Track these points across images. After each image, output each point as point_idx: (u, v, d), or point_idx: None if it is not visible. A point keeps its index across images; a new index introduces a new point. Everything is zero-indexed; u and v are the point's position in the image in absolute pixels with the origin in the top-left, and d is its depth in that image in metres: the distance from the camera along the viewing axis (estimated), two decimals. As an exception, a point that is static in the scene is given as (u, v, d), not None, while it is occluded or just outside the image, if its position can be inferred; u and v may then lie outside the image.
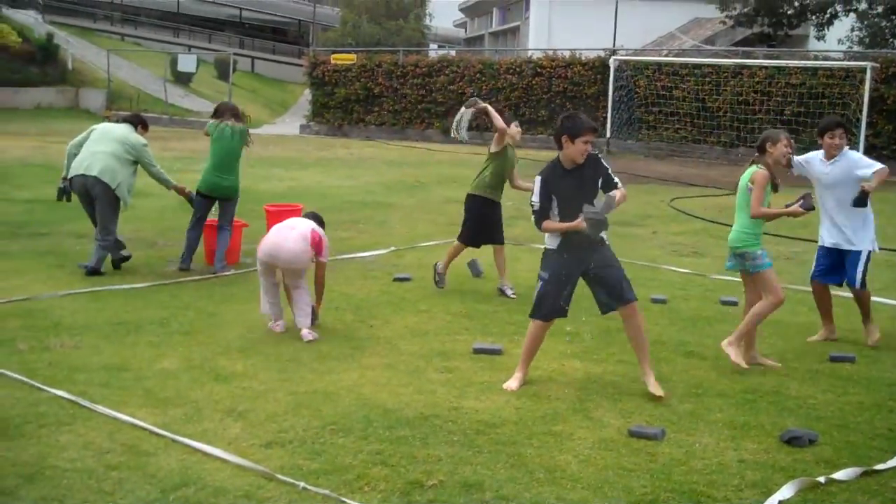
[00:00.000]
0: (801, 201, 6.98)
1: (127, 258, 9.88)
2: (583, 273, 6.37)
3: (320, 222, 7.86)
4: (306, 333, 7.40)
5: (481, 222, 9.25)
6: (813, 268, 8.07)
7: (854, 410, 6.15)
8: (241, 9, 63.54)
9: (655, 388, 6.25)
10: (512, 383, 6.38)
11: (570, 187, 6.17)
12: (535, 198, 6.22)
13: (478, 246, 9.49)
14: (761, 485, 4.89)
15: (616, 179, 6.33)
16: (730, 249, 7.16)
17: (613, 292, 6.33)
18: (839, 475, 4.99)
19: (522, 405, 6.02)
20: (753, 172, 6.88)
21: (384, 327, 7.87)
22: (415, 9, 54.56)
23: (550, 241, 6.37)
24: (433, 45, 57.13)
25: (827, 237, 7.90)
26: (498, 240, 9.28)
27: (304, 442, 5.26)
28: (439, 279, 9.38)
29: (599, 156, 6.36)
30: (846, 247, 7.79)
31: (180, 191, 10.14)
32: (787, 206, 7.04)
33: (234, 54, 44.55)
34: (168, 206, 13.84)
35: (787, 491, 4.78)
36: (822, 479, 4.92)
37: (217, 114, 10.02)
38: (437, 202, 16.52)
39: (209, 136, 9.88)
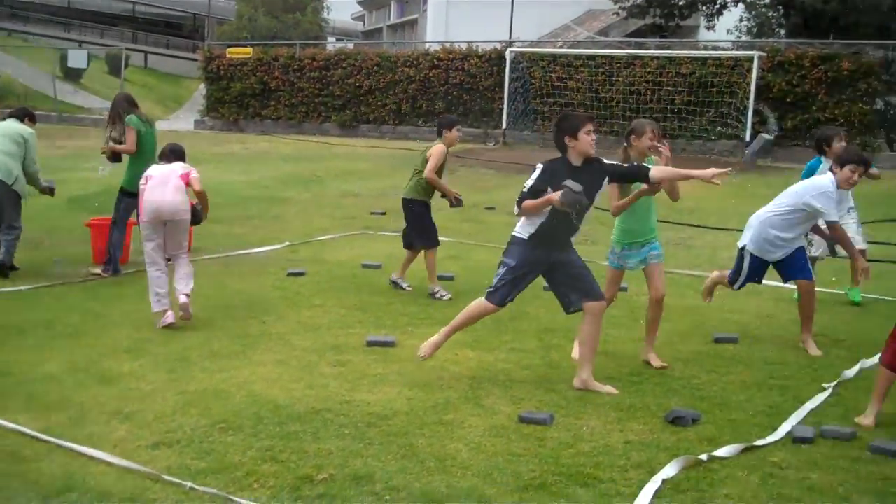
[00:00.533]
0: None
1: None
2: (547, 272, 6.38)
3: (181, 155, 8.14)
4: (184, 298, 7.65)
5: (422, 224, 9.13)
6: (740, 281, 7.69)
7: (736, 389, 6.34)
8: (134, 3, 62.22)
9: (596, 386, 6.28)
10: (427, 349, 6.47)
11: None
12: (530, 182, 6.14)
13: (416, 248, 9.24)
14: (646, 465, 5.01)
15: (627, 165, 6.38)
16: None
17: (584, 290, 6.31)
18: (720, 452, 5.14)
19: (414, 395, 6.05)
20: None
21: (277, 323, 7.82)
22: (312, 2, 54.16)
23: (522, 230, 6.33)
24: (331, 39, 56.81)
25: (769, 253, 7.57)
26: (435, 242, 9.19)
27: (192, 441, 5.19)
28: (400, 285, 9.23)
29: (604, 159, 6.31)
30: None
31: (46, 190, 10.04)
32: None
33: (127, 49, 43.60)
34: (54, 205, 13.50)
35: (670, 469, 4.90)
36: (704, 456, 5.07)
37: (122, 108, 9.62)
38: (334, 196, 16.46)
39: (137, 130, 9.47)
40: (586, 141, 6.09)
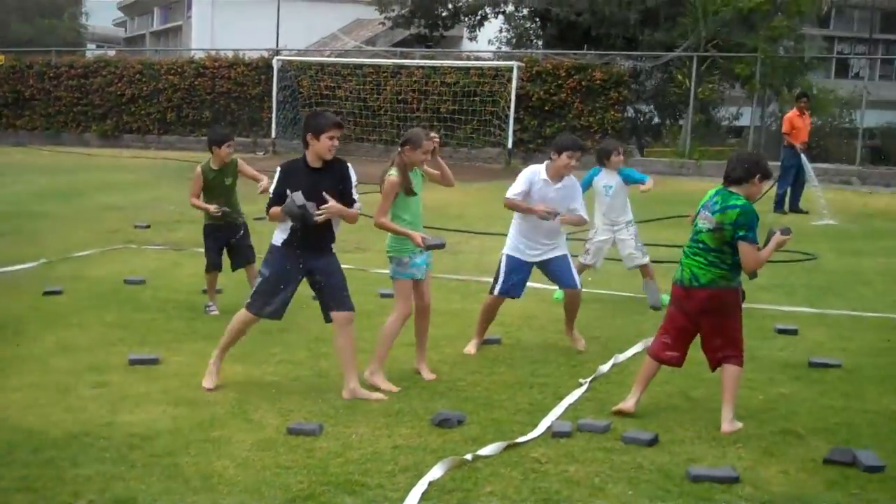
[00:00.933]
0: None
1: None
2: (308, 279, 6.32)
3: None
4: None
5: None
6: (501, 282, 7.60)
7: (499, 389, 6.56)
8: None
9: (363, 393, 6.31)
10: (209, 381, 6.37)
11: (309, 185, 6.11)
12: (272, 186, 6.16)
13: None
14: (413, 468, 5.10)
15: (356, 198, 6.29)
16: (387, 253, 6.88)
17: (333, 300, 6.31)
18: (484, 451, 5.31)
19: (179, 414, 5.91)
20: (387, 177, 6.56)
21: (32, 344, 7.43)
22: (69, 7, 51.85)
23: (276, 237, 6.29)
24: (91, 45, 54.52)
25: (530, 252, 7.58)
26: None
27: (-64, 475, 4.88)
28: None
29: (349, 166, 6.32)
30: (553, 254, 7.57)
31: None
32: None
33: None
34: None
35: (437, 471, 5.02)
36: (469, 456, 5.22)
37: None
38: (95, 209, 15.80)
39: None
40: (326, 145, 6.10)
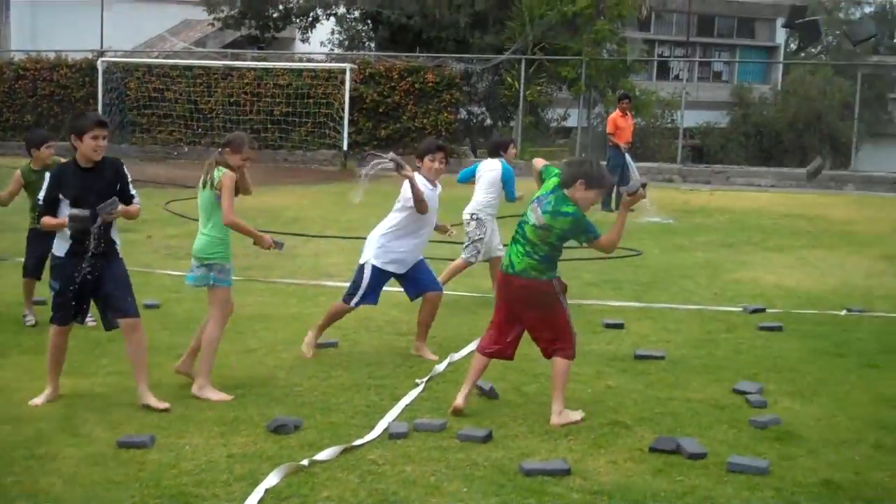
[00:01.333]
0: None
1: None
2: (95, 283, 6.12)
3: None
4: None
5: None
6: (361, 296, 7.41)
7: (336, 392, 6.56)
8: None
9: (153, 402, 6.18)
10: (40, 399, 6.21)
11: (82, 187, 5.96)
12: (42, 193, 6.01)
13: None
14: (249, 476, 5.05)
15: (133, 193, 6.21)
16: (197, 259, 6.58)
17: (120, 306, 6.16)
18: (321, 456, 5.30)
19: (2, 431, 5.67)
20: (221, 175, 6.41)
21: None
22: None
23: (58, 248, 6.10)
24: None
25: (409, 262, 7.39)
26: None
27: None
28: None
29: (123, 164, 6.20)
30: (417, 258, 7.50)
31: None
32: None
33: None
34: None
35: (273, 478, 4.98)
36: (305, 461, 5.20)
37: None
38: None
39: None
40: (90, 145, 5.95)
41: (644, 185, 6.08)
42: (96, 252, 6.02)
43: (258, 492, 4.83)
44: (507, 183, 9.34)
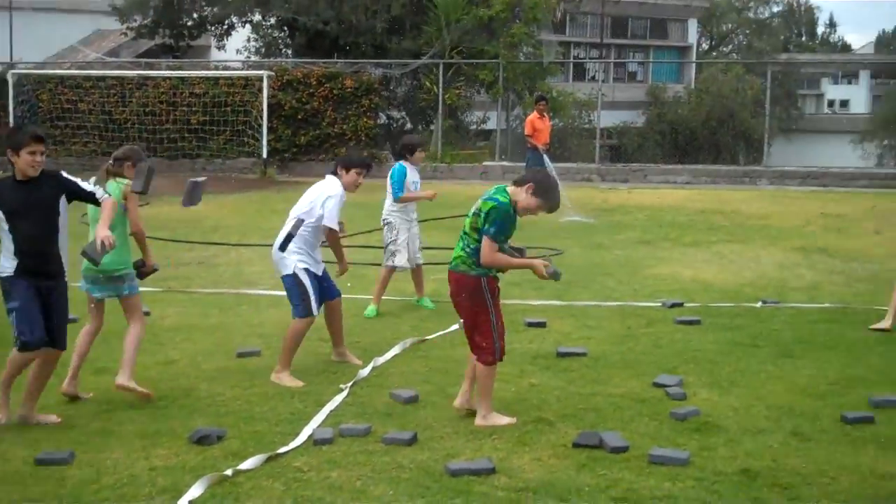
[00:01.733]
0: None
1: None
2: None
3: None
4: None
5: None
6: (314, 299, 7.12)
7: (260, 401, 6.50)
8: None
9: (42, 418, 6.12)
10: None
11: (21, 200, 5.81)
12: None
13: None
14: (172, 489, 4.99)
15: (92, 189, 6.08)
16: (105, 273, 6.51)
17: (57, 339, 6.04)
18: (245, 465, 5.26)
19: (-89, 454, 5.52)
20: (124, 187, 6.51)
21: None
22: None
23: (5, 266, 5.90)
24: None
25: (315, 266, 7.27)
26: None
27: None
28: None
29: (62, 172, 6.05)
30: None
31: None
32: None
33: None
34: None
35: (196, 490, 4.93)
36: (229, 471, 5.15)
37: None
38: None
39: None
40: (27, 160, 5.81)
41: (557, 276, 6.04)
42: (46, 273, 5.91)
43: (182, 502, 4.77)
44: (392, 183, 9.15)
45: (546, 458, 5.39)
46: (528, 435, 5.76)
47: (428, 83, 25.77)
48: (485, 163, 24.42)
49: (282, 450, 5.52)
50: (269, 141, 23.66)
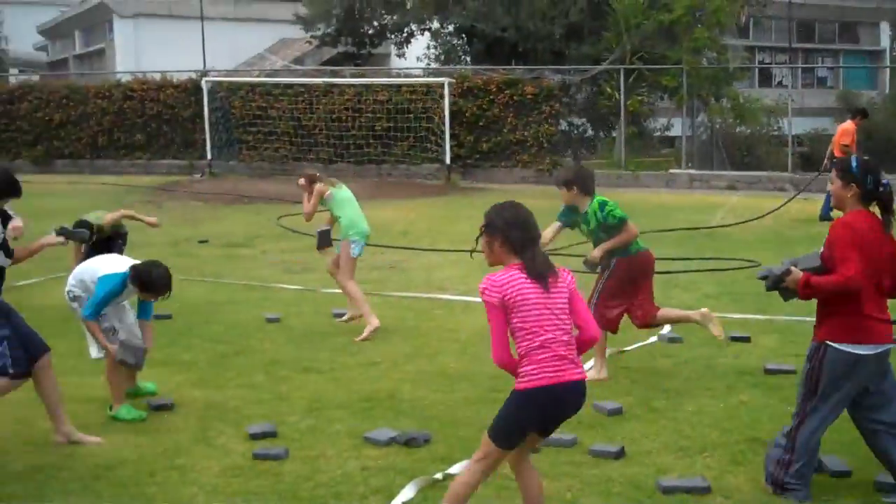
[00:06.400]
0: None
1: None
2: None
3: None
4: None
5: None
6: None
7: (462, 406, 6.56)
8: None
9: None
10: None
11: None
12: None
13: None
14: (384, 489, 5.08)
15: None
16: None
17: (33, 343, 5.89)
18: (454, 469, 5.30)
19: (142, 442, 5.82)
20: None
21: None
22: (-13, 32, 50.85)
23: None
24: (13, 70, 53.43)
25: None
26: None
27: None
28: None
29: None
30: None
31: None
32: None
33: None
34: None
35: (409, 491, 5.01)
36: (439, 475, 5.21)
37: None
38: (33, 237, 15.43)
39: None
40: None
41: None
42: None
43: (395, 503, 4.86)
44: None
45: (762, 480, 5.21)
46: (742, 454, 5.58)
47: (609, 89, 25.49)
48: (670, 170, 23.95)
49: (487, 457, 5.53)
50: (451, 147, 23.91)
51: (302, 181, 9.07)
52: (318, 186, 8.91)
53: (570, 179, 7.23)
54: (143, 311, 6.64)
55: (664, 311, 7.34)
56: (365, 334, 8.43)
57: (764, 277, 5.13)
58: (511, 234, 4.24)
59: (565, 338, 4.22)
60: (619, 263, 7.11)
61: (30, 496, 4.99)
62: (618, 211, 7.08)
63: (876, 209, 5.00)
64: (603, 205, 7.09)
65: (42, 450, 5.67)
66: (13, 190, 6.00)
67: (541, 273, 4.19)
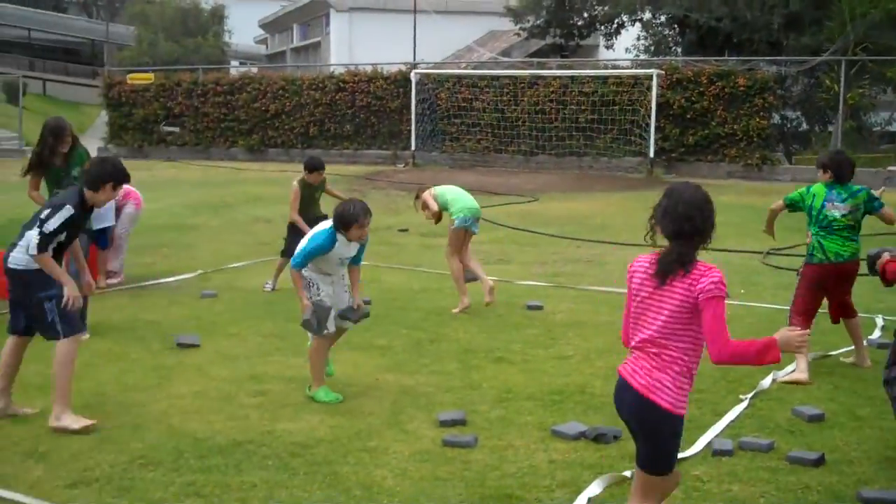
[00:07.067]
0: None
1: None
2: None
3: None
4: None
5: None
6: None
7: (654, 404, 6.41)
8: (29, 29, 60.65)
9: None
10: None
11: None
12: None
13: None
14: (571, 483, 5.05)
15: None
16: None
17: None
18: (642, 466, 5.20)
19: (336, 423, 6.00)
20: None
21: (193, 353, 7.67)
22: (213, 26, 53.53)
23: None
24: (234, 63, 56.20)
25: None
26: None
27: (111, 479, 5.07)
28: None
29: None
30: None
31: None
32: None
33: (23, 76, 42.47)
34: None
35: (595, 487, 4.96)
36: (627, 473, 5.13)
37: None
38: (245, 222, 16.27)
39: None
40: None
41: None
42: None
43: (581, 499, 4.83)
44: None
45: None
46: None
47: (828, 82, 24.34)
48: (889, 167, 22.65)
49: (679, 456, 5.40)
50: (655, 140, 23.48)
51: (419, 203, 9.57)
52: (424, 195, 9.47)
53: (825, 163, 7.43)
54: (354, 260, 6.72)
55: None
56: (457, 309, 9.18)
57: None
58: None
59: None
60: (806, 270, 7.46)
61: (230, 468, 5.23)
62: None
63: None
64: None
65: (244, 426, 5.93)
66: (125, 177, 6.24)
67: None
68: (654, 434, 3.96)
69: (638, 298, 3.98)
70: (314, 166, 10.20)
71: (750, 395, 6.52)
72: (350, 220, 6.38)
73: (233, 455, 5.43)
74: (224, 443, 5.62)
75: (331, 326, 6.54)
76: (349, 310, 6.62)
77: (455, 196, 9.44)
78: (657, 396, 3.88)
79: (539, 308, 9.31)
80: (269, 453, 5.46)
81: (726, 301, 3.83)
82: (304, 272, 6.53)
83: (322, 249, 6.46)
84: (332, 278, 6.65)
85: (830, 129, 25.03)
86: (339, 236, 6.45)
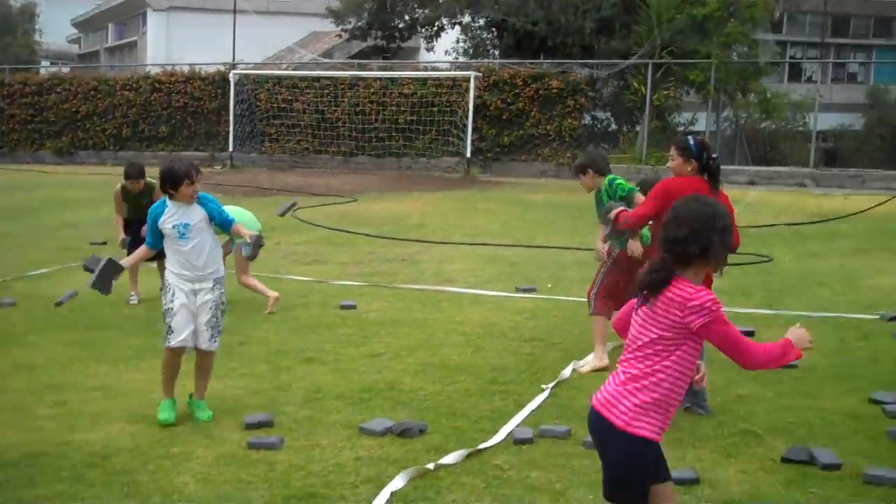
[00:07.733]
0: None
1: None
2: None
3: None
4: None
5: None
6: None
7: (461, 397, 6.56)
8: None
9: None
10: None
11: None
12: None
13: None
14: (376, 479, 5.09)
15: None
16: None
17: None
18: (446, 459, 5.31)
19: (138, 431, 5.86)
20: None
21: (-13, 365, 7.32)
22: (23, 24, 51.31)
23: None
24: (45, 62, 53.99)
25: None
26: None
27: None
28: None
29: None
30: None
31: None
32: None
33: None
34: None
35: (398, 481, 5.01)
36: (431, 465, 5.21)
37: None
38: (51, 227, 15.63)
39: None
40: None
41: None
42: None
43: (384, 494, 4.86)
44: None
45: (752, 472, 5.19)
46: (734, 446, 5.56)
47: (636, 83, 25.36)
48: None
49: (482, 446, 5.54)
50: (472, 141, 23.92)
51: None
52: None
53: (583, 163, 7.41)
54: (223, 225, 6.32)
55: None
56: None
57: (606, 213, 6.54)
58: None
59: None
60: (620, 254, 7.15)
61: (22, 482, 5.04)
62: (626, 185, 7.23)
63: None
64: (612, 181, 7.27)
65: (39, 438, 5.71)
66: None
67: None
68: (607, 452, 3.74)
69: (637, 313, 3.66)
70: (128, 174, 9.80)
71: (551, 385, 6.73)
72: (178, 176, 6.03)
73: (25, 469, 5.22)
74: (16, 456, 5.39)
75: (178, 336, 6.17)
76: (91, 259, 6.29)
77: (238, 215, 8.71)
78: (609, 412, 3.63)
79: (353, 307, 9.33)
80: (64, 465, 5.28)
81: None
82: (168, 278, 6.21)
83: (156, 215, 6.12)
84: (193, 286, 6.18)
85: (637, 128, 26.08)
86: (171, 202, 6.15)
